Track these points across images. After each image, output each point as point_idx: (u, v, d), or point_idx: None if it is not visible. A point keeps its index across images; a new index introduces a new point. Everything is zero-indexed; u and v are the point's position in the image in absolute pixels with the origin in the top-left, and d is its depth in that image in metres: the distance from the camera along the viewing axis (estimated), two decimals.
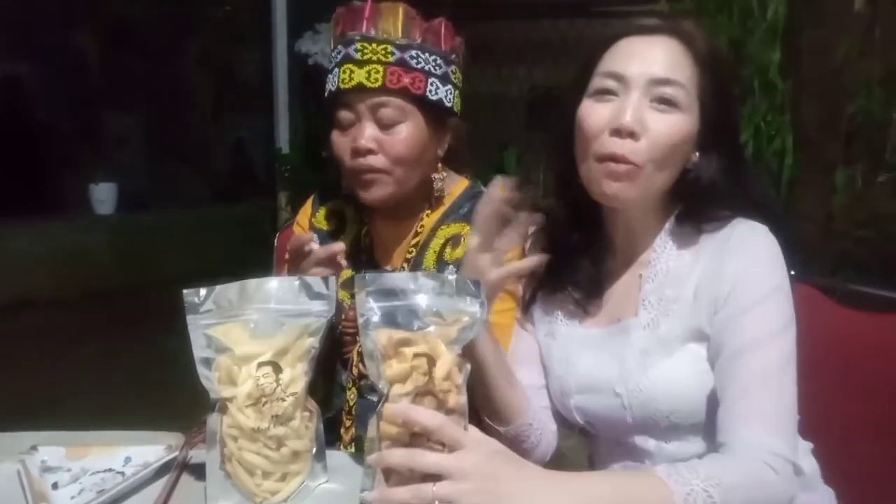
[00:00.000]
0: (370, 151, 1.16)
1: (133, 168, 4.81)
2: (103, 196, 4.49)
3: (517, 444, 1.06)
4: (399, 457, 0.78)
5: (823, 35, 2.43)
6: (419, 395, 0.81)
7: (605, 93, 1.00)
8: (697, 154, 1.02)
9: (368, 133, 1.16)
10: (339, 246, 1.07)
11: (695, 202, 1.02)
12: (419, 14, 1.20)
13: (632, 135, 0.96)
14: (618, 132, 0.97)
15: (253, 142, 5.00)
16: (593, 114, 1.00)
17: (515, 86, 3.81)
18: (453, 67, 1.22)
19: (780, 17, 2.38)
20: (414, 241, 1.24)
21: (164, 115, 4.86)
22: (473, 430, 0.81)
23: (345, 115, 1.18)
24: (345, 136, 1.19)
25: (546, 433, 1.12)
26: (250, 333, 0.91)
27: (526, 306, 1.16)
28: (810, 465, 1.07)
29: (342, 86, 1.16)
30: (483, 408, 1.05)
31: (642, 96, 0.98)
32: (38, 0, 4.46)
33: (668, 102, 0.98)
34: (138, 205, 4.67)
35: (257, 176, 4.93)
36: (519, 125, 3.74)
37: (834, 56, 2.36)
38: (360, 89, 1.15)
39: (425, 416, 0.78)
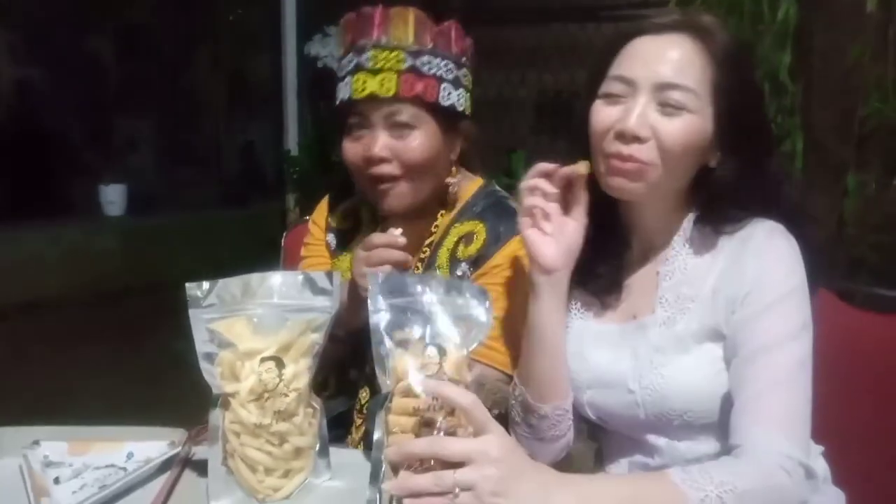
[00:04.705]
0: (383, 160, 1.15)
1: (143, 170, 4.84)
2: (113, 198, 4.52)
3: (546, 429, 1.06)
4: (422, 446, 0.77)
5: (835, 37, 2.40)
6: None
7: (613, 96, 0.99)
8: (720, 154, 1.00)
9: (381, 141, 1.15)
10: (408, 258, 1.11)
11: (714, 204, 1.00)
12: (430, 18, 1.18)
13: (637, 139, 0.96)
14: (622, 136, 0.97)
15: (262, 144, 5.02)
16: (601, 113, 1.00)
17: (524, 89, 3.81)
18: (464, 70, 1.21)
19: (791, 19, 2.35)
20: (428, 241, 1.24)
21: (174, 117, 4.88)
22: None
23: (357, 123, 1.17)
24: (357, 144, 1.17)
25: (572, 429, 1.11)
26: (253, 328, 0.90)
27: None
28: (821, 467, 1.06)
29: (354, 96, 1.15)
30: (526, 376, 1.06)
31: (649, 101, 0.97)
32: (51, 4, 4.50)
33: (674, 106, 0.96)
34: (148, 207, 4.69)
35: (266, 178, 4.95)
36: (528, 128, 3.73)
37: (846, 58, 2.33)
38: (373, 98, 1.14)
39: (457, 392, 0.78)
